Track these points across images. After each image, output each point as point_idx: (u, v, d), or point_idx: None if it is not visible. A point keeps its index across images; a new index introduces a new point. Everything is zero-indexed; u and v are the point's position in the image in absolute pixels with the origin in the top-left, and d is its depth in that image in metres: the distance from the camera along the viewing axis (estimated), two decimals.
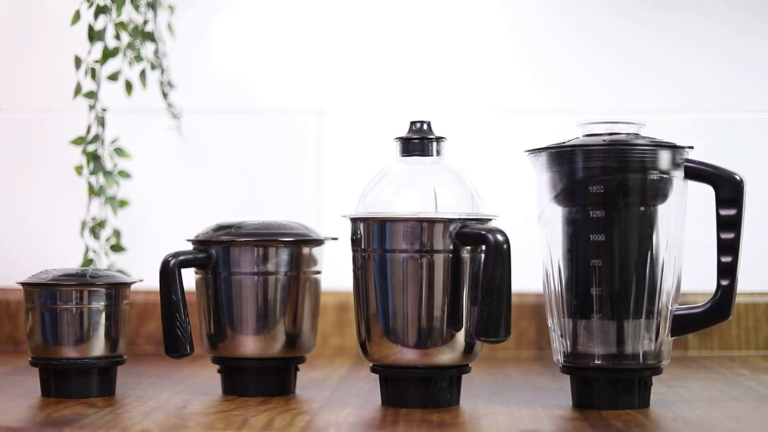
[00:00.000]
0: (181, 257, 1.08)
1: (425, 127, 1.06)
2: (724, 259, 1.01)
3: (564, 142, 1.03)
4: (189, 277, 1.10)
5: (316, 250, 1.13)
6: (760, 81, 1.54)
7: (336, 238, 1.15)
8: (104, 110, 1.44)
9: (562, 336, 1.03)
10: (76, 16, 1.40)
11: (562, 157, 1.02)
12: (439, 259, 1.01)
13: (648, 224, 1.00)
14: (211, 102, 1.57)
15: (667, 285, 1.01)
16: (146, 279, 1.22)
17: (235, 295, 1.10)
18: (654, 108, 1.54)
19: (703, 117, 1.54)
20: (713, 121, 1.54)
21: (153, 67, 1.50)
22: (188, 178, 1.58)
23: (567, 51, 1.56)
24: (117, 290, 1.10)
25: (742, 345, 1.49)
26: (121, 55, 1.45)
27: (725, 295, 1.01)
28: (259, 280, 1.10)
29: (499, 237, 0.98)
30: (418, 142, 1.05)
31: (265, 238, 1.10)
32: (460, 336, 1.02)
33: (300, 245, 1.11)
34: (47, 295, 1.08)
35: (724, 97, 1.54)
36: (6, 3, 1.59)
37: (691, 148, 1.02)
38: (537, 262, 1.06)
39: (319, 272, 1.14)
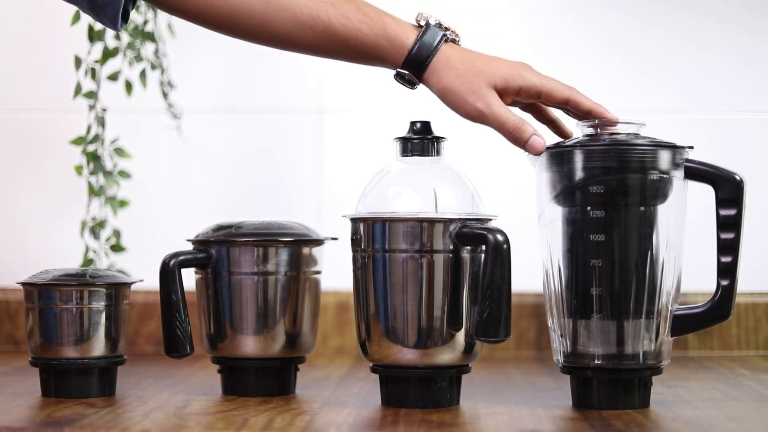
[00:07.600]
0: (181, 257, 1.08)
1: (425, 127, 1.06)
2: (724, 259, 1.01)
3: (564, 142, 1.03)
4: (189, 277, 1.10)
5: (316, 250, 1.13)
6: (760, 80, 1.54)
7: (336, 238, 1.15)
8: (104, 110, 1.44)
9: (562, 336, 1.03)
10: (76, 16, 1.40)
11: (562, 157, 1.02)
12: (439, 259, 1.01)
13: (648, 224, 1.00)
14: (211, 102, 1.57)
15: (667, 285, 1.01)
16: (146, 279, 1.22)
17: (235, 295, 1.10)
18: (654, 108, 1.54)
19: (704, 117, 1.54)
20: (713, 121, 1.54)
21: (153, 67, 1.50)
22: (188, 178, 1.58)
23: (567, 50, 1.56)
24: (117, 290, 1.10)
25: (742, 345, 1.49)
26: (121, 55, 1.45)
27: (725, 295, 1.01)
28: (259, 280, 1.10)
29: (499, 237, 0.98)
30: (418, 142, 1.05)
31: (265, 238, 1.10)
32: (460, 336, 1.02)
33: (300, 245, 1.11)
34: (47, 295, 1.08)
35: (725, 96, 1.54)
36: (6, 3, 1.59)
37: (691, 148, 1.02)
38: (537, 262, 1.06)
39: (319, 272, 1.14)
